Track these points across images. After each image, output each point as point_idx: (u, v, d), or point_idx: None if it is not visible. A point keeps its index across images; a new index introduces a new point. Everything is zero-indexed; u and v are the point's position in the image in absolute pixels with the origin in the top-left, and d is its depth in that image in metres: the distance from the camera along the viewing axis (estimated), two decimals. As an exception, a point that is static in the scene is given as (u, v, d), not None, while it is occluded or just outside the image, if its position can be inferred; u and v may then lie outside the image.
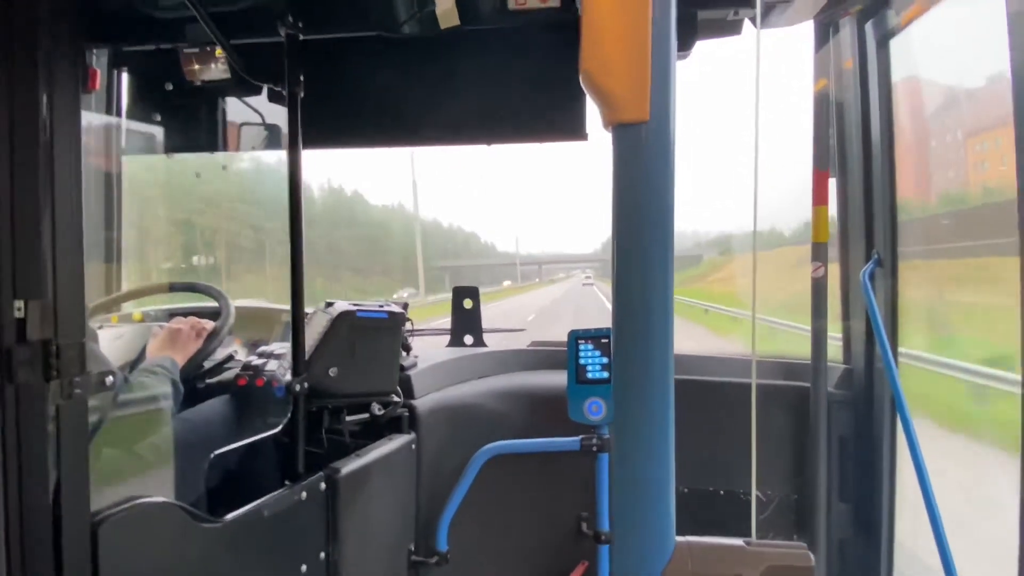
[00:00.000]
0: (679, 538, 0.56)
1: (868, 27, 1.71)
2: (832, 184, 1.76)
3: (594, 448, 1.52)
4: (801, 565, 0.54)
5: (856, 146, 1.76)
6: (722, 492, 1.82)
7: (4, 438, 0.74)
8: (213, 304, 1.63)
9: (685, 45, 1.48)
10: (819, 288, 1.75)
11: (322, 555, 1.25)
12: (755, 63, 0.73)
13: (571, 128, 1.59)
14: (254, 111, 1.81)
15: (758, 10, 1.43)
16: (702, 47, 1.53)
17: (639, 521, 0.56)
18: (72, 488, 0.80)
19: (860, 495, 1.74)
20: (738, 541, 0.57)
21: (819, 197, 1.73)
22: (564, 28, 1.53)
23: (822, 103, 1.79)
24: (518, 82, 1.61)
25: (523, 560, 1.78)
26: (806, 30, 1.81)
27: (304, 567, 1.20)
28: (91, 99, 1.84)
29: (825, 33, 1.79)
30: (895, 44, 1.68)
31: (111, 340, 1.48)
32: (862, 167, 1.75)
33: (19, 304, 0.75)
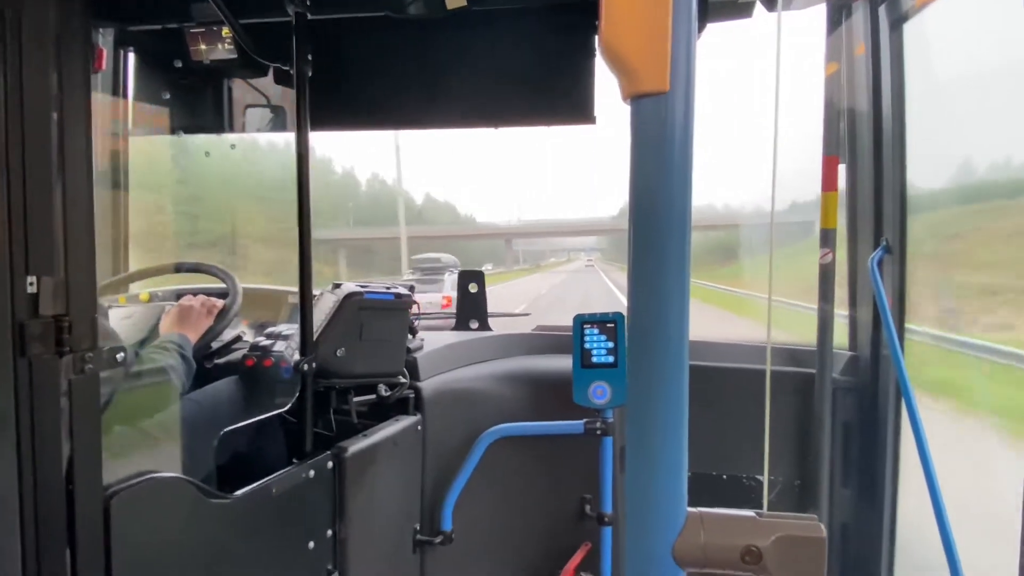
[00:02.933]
0: (690, 509, 0.57)
1: (881, 11, 1.68)
2: (841, 170, 1.75)
3: (598, 432, 1.53)
4: (813, 536, 0.54)
5: (867, 132, 1.75)
6: (725, 476, 1.83)
7: (18, 412, 0.75)
8: (220, 285, 1.64)
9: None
10: (826, 274, 1.75)
11: (329, 532, 1.26)
12: (775, 46, 0.73)
13: (579, 111, 1.58)
14: (260, 92, 1.80)
15: None
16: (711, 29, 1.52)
17: (651, 495, 0.56)
18: (85, 462, 0.82)
19: (863, 481, 1.75)
20: (750, 512, 0.57)
21: (828, 182, 1.72)
22: (572, 9, 1.51)
23: (833, 87, 1.77)
24: (525, 64, 1.60)
25: (526, 541, 1.80)
26: (818, 14, 1.79)
27: (311, 544, 1.22)
28: (97, 79, 1.84)
29: (838, 16, 1.77)
30: (908, 28, 1.66)
31: (121, 319, 1.50)
32: (872, 153, 1.73)
33: (32, 279, 0.75)
